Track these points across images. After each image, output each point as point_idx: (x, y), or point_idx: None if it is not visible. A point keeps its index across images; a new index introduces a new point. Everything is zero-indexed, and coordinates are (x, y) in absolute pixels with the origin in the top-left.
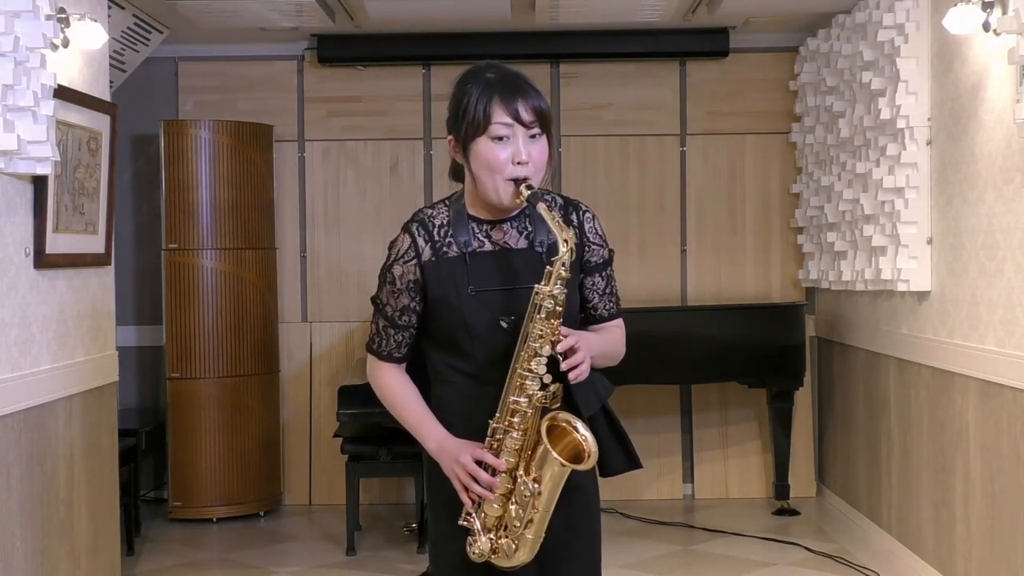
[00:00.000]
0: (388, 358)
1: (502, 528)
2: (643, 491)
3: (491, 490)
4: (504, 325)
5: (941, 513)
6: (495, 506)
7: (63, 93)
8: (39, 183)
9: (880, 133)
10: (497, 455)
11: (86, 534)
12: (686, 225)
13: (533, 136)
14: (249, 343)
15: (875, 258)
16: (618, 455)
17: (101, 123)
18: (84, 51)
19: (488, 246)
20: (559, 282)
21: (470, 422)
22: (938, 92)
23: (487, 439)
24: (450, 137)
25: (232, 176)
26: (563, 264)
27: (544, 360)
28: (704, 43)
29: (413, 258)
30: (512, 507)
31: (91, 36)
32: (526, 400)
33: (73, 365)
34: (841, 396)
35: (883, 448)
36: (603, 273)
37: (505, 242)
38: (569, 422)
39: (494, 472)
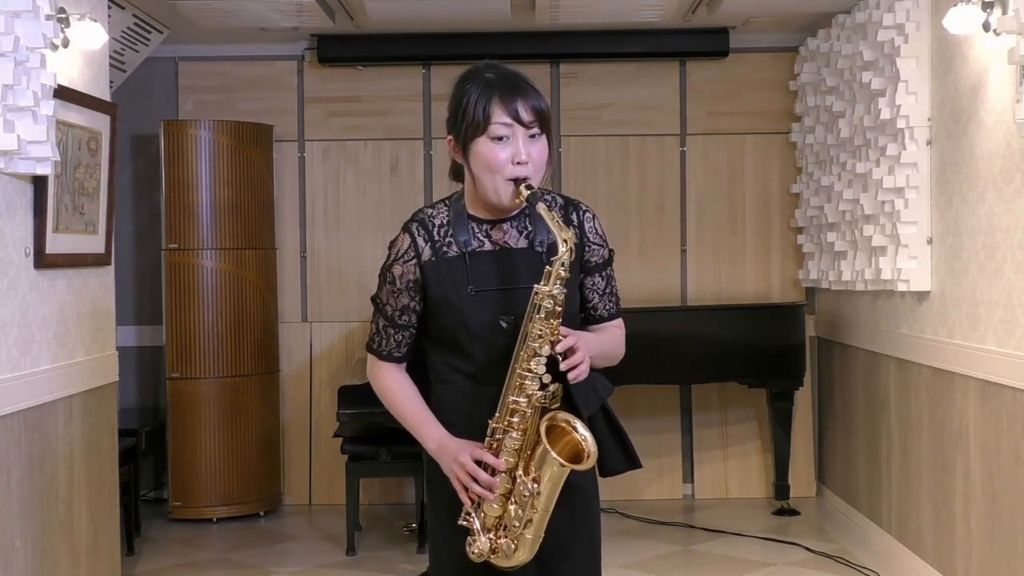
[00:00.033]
0: (388, 358)
1: (501, 528)
2: (643, 491)
3: (490, 490)
4: (504, 325)
5: (941, 513)
6: (494, 506)
7: (63, 93)
8: (39, 183)
9: (880, 133)
10: (496, 455)
11: (86, 534)
12: (686, 225)
13: (533, 136)
14: (249, 343)
15: (875, 258)
16: (618, 455)
17: (101, 123)
18: (84, 51)
19: (488, 246)
20: (558, 282)
21: (470, 422)
22: (938, 92)
23: (486, 439)
24: (450, 137)
25: (232, 176)
26: (562, 264)
27: (543, 360)
28: (704, 43)
29: (413, 258)
30: (511, 507)
31: (91, 36)
32: (525, 400)
33: (73, 365)
34: (841, 396)
35: (883, 448)
36: (603, 273)
37: (505, 242)
38: (568, 422)
39: (493, 472)
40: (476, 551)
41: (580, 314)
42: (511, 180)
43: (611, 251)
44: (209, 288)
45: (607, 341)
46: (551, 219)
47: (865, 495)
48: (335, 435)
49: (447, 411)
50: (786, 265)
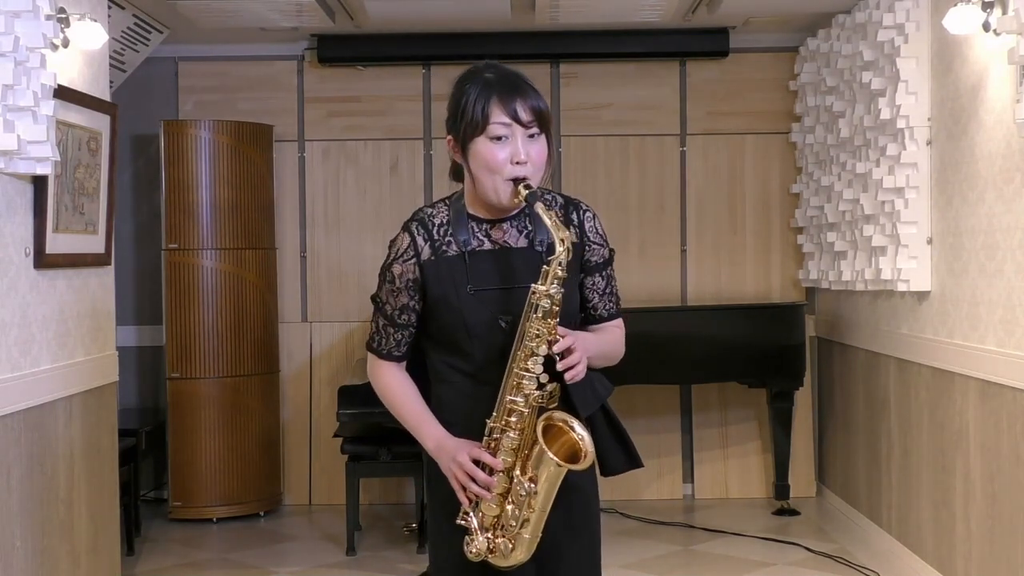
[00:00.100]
0: (388, 357)
1: (499, 527)
2: (643, 491)
3: (488, 490)
4: (503, 324)
5: (941, 513)
6: (492, 505)
7: (63, 93)
8: (39, 183)
9: (880, 133)
10: (494, 454)
11: (86, 534)
12: (686, 225)
13: (532, 136)
14: (249, 343)
15: (875, 258)
16: (618, 454)
17: (101, 123)
18: (84, 51)
19: (488, 245)
20: (556, 281)
21: (470, 421)
22: (938, 92)
23: (484, 438)
24: (449, 137)
25: (232, 176)
26: (560, 264)
27: (541, 360)
28: (704, 43)
29: (412, 257)
30: (509, 507)
31: (91, 36)
32: (523, 400)
33: (73, 365)
34: (841, 396)
35: (883, 448)
36: (603, 273)
37: (505, 241)
38: (566, 421)
39: (491, 472)
40: (474, 550)
41: (580, 314)
42: (510, 180)
43: (611, 251)
44: (209, 288)
45: (606, 341)
46: (549, 219)
47: (865, 495)
48: (335, 435)
49: (447, 410)
50: (786, 265)
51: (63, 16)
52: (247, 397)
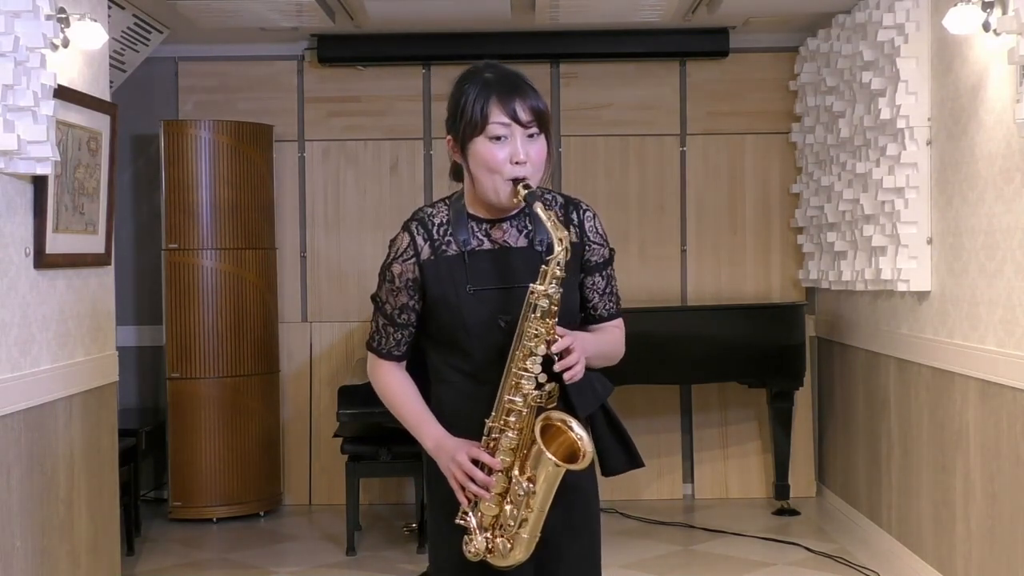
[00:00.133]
0: (388, 356)
1: (498, 527)
2: (643, 491)
3: (487, 489)
4: (502, 324)
5: (941, 513)
6: (491, 505)
7: (63, 93)
8: (39, 183)
9: (880, 133)
10: (493, 454)
11: (86, 534)
12: (686, 225)
13: (531, 136)
14: (249, 343)
15: (875, 258)
16: (619, 454)
17: (101, 123)
18: (84, 51)
19: (487, 245)
20: (554, 281)
21: (470, 421)
22: (938, 92)
23: (483, 438)
24: (449, 137)
25: (232, 176)
26: (558, 263)
27: (539, 359)
28: (704, 43)
29: (412, 256)
30: (507, 506)
31: (91, 36)
32: (521, 399)
33: (73, 365)
34: (841, 396)
35: (883, 448)
36: (603, 272)
37: (505, 241)
38: (564, 421)
39: (490, 471)
40: (472, 550)
41: (580, 314)
42: (510, 180)
43: (612, 251)
44: (209, 288)
45: (606, 341)
46: (547, 218)
47: (865, 495)
48: (335, 435)
49: (446, 410)
50: (786, 265)
51: (63, 16)
52: (247, 397)
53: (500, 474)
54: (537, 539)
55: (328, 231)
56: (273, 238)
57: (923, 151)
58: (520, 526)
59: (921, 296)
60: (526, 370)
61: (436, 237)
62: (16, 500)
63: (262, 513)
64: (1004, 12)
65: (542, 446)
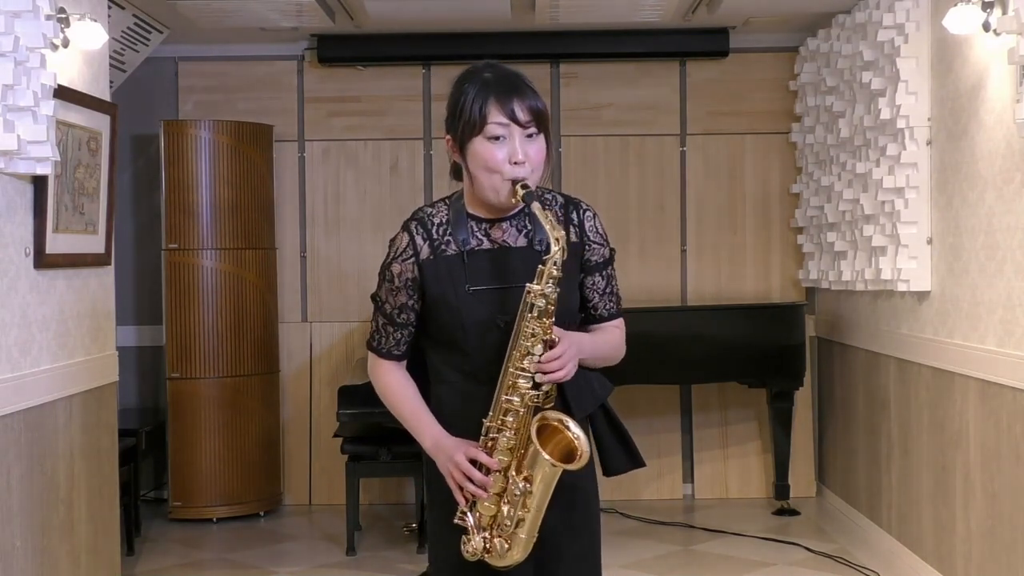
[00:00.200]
0: (388, 356)
1: (495, 527)
2: (643, 491)
3: (484, 489)
4: (500, 324)
5: (941, 513)
6: (489, 505)
7: (63, 93)
8: (39, 183)
9: (880, 133)
10: (491, 454)
11: (86, 534)
12: (686, 225)
13: (530, 136)
14: (249, 343)
15: (875, 258)
16: (620, 454)
17: (101, 123)
18: (84, 51)
19: (487, 245)
20: (551, 281)
21: (469, 421)
22: (938, 92)
23: (481, 438)
24: (448, 137)
25: (232, 176)
26: (555, 263)
27: (536, 359)
28: (704, 43)
29: (411, 256)
30: (504, 506)
31: (91, 36)
32: (518, 399)
33: (73, 365)
34: (841, 396)
35: (883, 448)
36: (603, 272)
37: (504, 241)
38: (561, 421)
39: (488, 471)
40: (470, 550)
41: (580, 314)
42: (508, 180)
43: (612, 250)
44: (209, 288)
45: (605, 341)
46: (544, 218)
47: (865, 495)
48: (335, 435)
49: (446, 410)
50: (786, 265)
51: (63, 16)
52: (247, 397)
53: (498, 474)
54: (535, 539)
55: (328, 231)
56: (273, 238)
57: (923, 151)
58: (517, 526)
59: (921, 296)
60: (523, 370)
61: (436, 237)
62: (16, 500)
63: (262, 513)
64: (1004, 12)
65: (538, 446)
